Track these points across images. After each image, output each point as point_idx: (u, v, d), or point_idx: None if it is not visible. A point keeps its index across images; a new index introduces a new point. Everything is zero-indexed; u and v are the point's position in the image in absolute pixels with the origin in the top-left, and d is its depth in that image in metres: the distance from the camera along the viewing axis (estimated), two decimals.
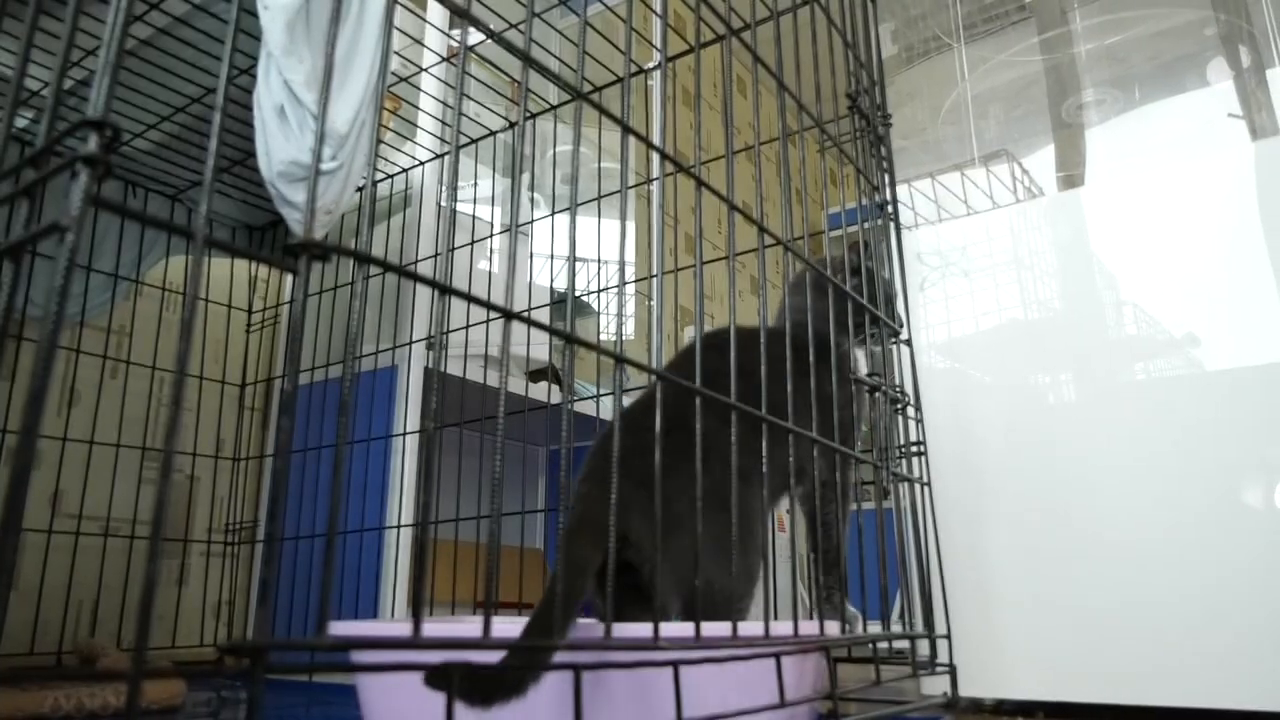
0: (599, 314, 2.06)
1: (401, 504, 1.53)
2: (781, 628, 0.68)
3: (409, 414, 1.58)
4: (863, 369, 1.08)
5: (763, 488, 0.78)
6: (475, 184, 1.84)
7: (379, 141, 1.73)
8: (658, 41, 1.57)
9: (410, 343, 1.61)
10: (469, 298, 0.47)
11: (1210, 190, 1.34)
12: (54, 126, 0.36)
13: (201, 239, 0.35)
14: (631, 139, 0.61)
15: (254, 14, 1.11)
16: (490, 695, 0.52)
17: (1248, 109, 1.55)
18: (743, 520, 0.80)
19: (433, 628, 0.82)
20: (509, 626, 0.69)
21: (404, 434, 1.57)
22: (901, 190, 1.64)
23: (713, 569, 0.77)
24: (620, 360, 0.56)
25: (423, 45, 1.66)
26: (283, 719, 1.13)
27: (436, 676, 0.42)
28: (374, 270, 0.44)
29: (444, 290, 0.44)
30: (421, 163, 1.76)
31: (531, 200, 1.97)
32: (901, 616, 0.99)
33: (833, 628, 0.78)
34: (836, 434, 0.95)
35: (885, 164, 1.15)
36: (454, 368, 1.65)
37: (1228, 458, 1.24)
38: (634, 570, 0.79)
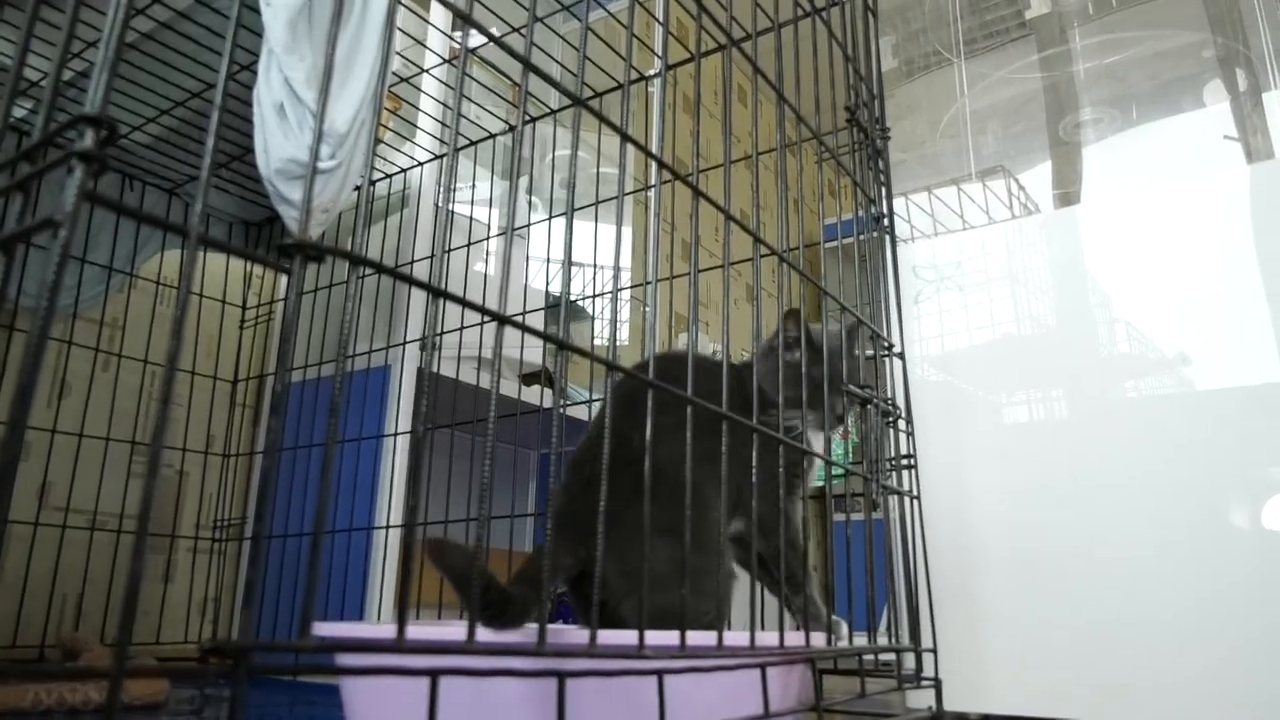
0: (594, 319, 2.06)
1: (391, 504, 1.53)
2: (767, 638, 0.68)
3: (400, 414, 1.57)
4: (816, 443, 1.03)
5: (712, 509, 0.84)
6: (474, 186, 1.84)
7: (378, 141, 1.73)
8: (659, 49, 1.57)
9: (404, 343, 1.61)
10: (461, 301, 0.47)
11: (1205, 212, 1.35)
12: (51, 120, 0.36)
13: (195, 237, 0.35)
14: (630, 145, 0.61)
15: (256, 10, 1.11)
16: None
17: (1244, 132, 1.56)
18: (703, 547, 0.81)
19: (417, 631, 0.82)
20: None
21: (395, 434, 1.56)
22: (898, 203, 1.65)
23: (674, 598, 0.77)
24: (611, 367, 0.56)
25: (424, 46, 1.66)
26: (266, 718, 1.13)
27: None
28: (369, 271, 0.44)
29: (436, 293, 0.44)
30: (420, 163, 1.76)
31: (529, 204, 1.97)
32: (888, 629, 0.99)
33: (818, 639, 0.78)
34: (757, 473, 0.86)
35: (882, 177, 1.15)
36: (447, 369, 1.65)
37: (1219, 476, 1.24)
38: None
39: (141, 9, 1.30)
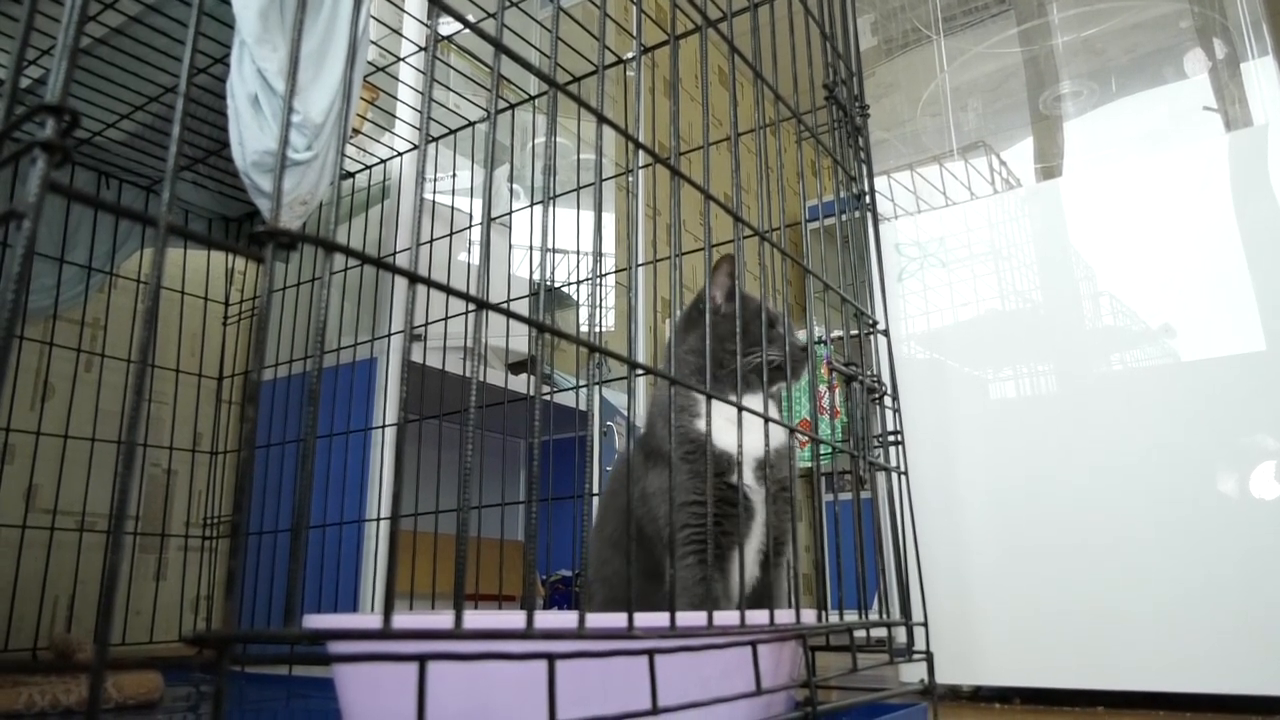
0: (579, 305, 2.06)
1: (381, 497, 1.53)
2: (758, 616, 0.68)
3: (388, 407, 1.57)
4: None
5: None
6: (454, 175, 1.83)
7: (356, 132, 1.72)
8: (635, 31, 1.56)
9: (389, 334, 1.60)
10: (441, 286, 0.46)
11: (1186, 182, 1.36)
12: (11, 112, 0.35)
13: (164, 225, 0.34)
14: (609, 129, 0.61)
15: (228, 1, 1.10)
16: None
17: (1222, 101, 1.57)
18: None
19: (404, 619, 0.82)
20: (484, 617, 0.69)
21: (383, 426, 1.56)
22: (881, 182, 1.65)
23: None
24: (594, 350, 0.56)
25: (401, 35, 1.65)
26: (261, 712, 1.13)
27: None
28: (352, 261, 0.44)
29: (414, 279, 0.44)
30: (400, 154, 1.75)
31: (511, 191, 1.96)
32: (879, 605, 0.99)
33: (809, 616, 0.78)
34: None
35: (863, 154, 1.15)
36: (434, 360, 1.64)
37: (1205, 446, 1.25)
38: None
39: (110, 3, 1.28)
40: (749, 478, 0.96)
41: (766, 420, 0.74)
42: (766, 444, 0.75)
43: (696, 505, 0.93)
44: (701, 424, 0.96)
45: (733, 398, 0.68)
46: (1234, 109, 1.54)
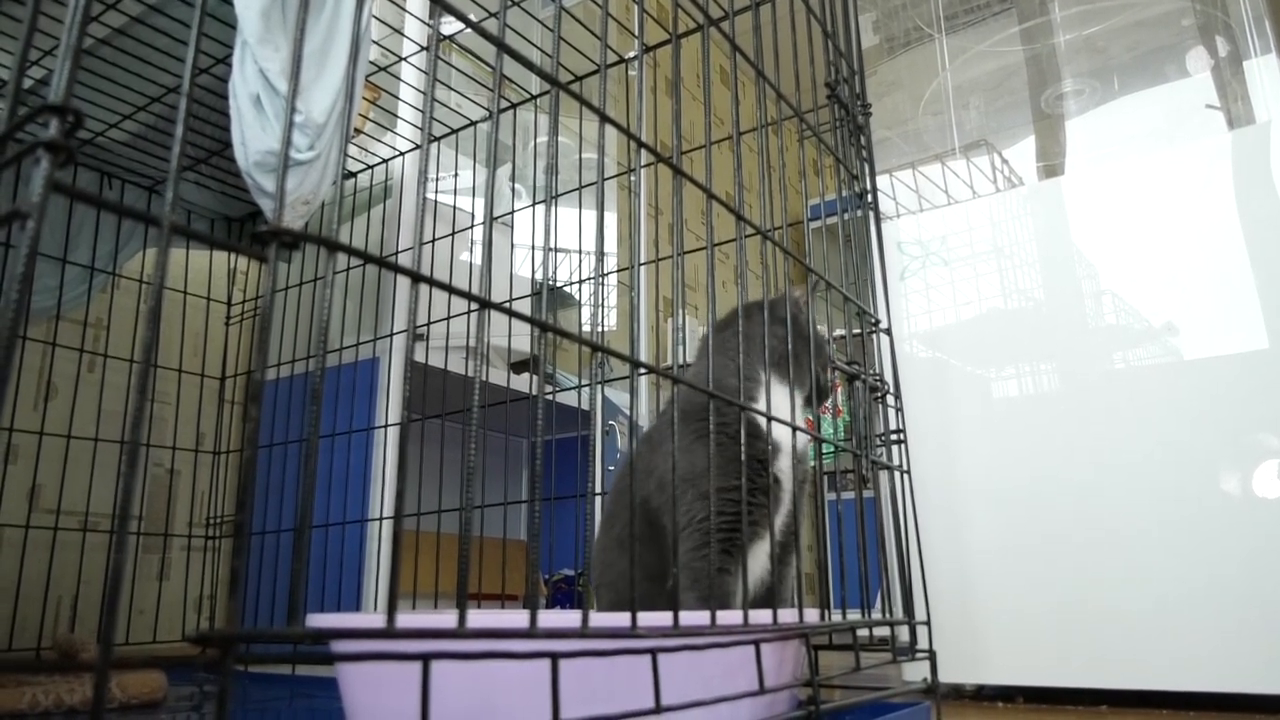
0: (581, 305, 2.06)
1: (384, 497, 1.53)
2: (760, 615, 0.68)
3: (390, 406, 1.57)
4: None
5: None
6: (456, 175, 1.83)
7: (358, 132, 1.72)
8: (637, 30, 1.56)
9: (391, 334, 1.60)
10: (445, 286, 0.46)
11: (1188, 179, 1.35)
12: (15, 112, 0.35)
13: (167, 225, 0.34)
14: (611, 128, 0.61)
15: (230, 1, 1.10)
16: None
17: (1224, 99, 1.57)
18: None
19: (408, 618, 0.82)
20: (488, 617, 0.69)
21: (385, 426, 1.56)
22: (883, 180, 1.65)
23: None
24: (597, 349, 0.56)
25: (402, 35, 1.65)
26: (265, 711, 1.13)
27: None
28: (354, 261, 0.44)
29: (417, 279, 0.44)
30: (402, 153, 1.75)
31: (513, 191, 1.96)
32: (882, 603, 0.99)
33: (812, 615, 0.78)
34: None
35: (865, 153, 1.15)
36: (436, 359, 1.64)
37: (1207, 444, 1.25)
38: None
39: (112, 3, 1.28)
40: (785, 467, 0.96)
41: (793, 417, 0.74)
42: (794, 435, 0.76)
43: (734, 491, 0.90)
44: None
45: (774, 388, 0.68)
46: (1236, 106, 1.53)
